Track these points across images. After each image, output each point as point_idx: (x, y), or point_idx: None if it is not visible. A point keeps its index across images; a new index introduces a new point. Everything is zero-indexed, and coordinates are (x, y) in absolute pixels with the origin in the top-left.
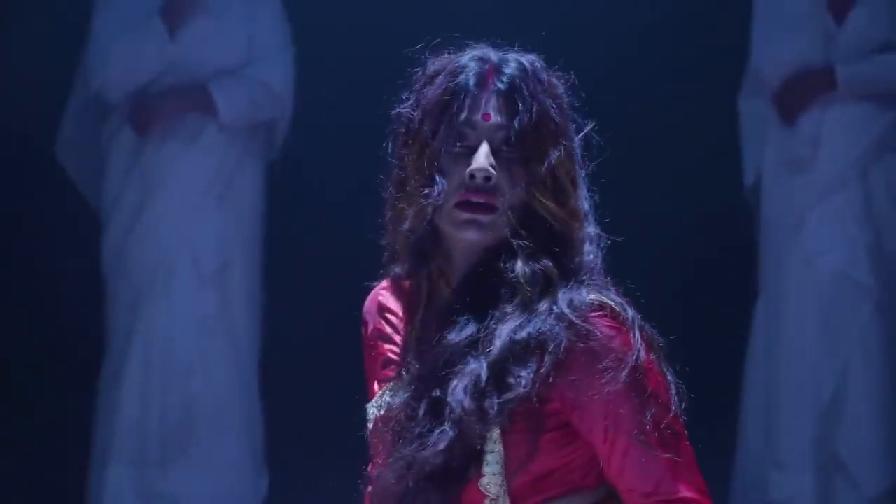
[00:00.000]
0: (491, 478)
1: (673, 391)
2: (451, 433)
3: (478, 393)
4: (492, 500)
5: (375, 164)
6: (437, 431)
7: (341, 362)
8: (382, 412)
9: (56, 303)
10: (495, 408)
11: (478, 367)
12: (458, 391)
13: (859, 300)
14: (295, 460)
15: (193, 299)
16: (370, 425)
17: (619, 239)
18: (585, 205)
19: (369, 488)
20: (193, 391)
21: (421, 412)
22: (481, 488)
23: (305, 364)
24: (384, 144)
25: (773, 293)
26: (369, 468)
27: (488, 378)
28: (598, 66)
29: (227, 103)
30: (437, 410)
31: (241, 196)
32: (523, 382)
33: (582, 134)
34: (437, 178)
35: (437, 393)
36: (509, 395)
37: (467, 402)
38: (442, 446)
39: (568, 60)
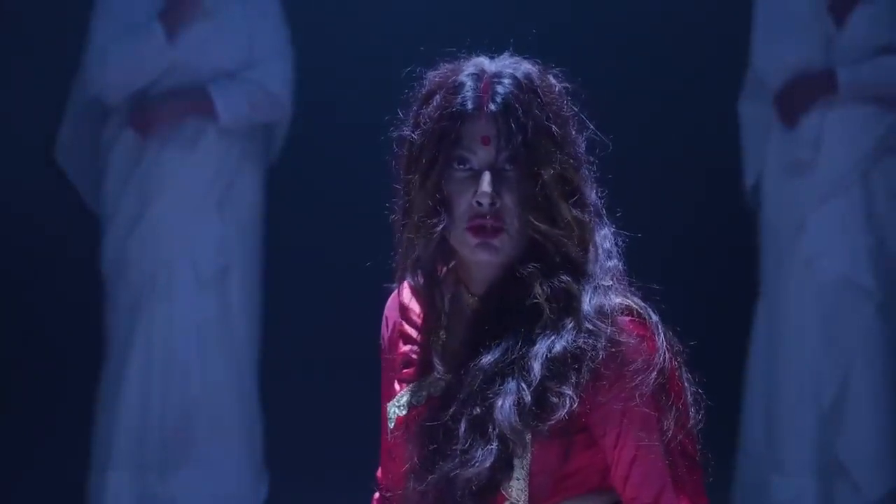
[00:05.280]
0: (515, 482)
1: (690, 402)
2: (496, 450)
3: (523, 412)
4: (512, 502)
5: (374, 168)
6: (481, 449)
7: (340, 366)
8: (404, 413)
9: (56, 306)
10: (542, 427)
11: (517, 387)
12: (504, 409)
13: (860, 303)
14: (294, 463)
15: (193, 303)
16: (391, 425)
17: (638, 235)
18: (593, 209)
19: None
20: (193, 395)
21: (462, 430)
22: (504, 491)
23: (305, 368)
24: (383, 148)
25: (773, 296)
26: (379, 473)
27: (532, 399)
28: (599, 69)
29: (226, 106)
30: (479, 428)
31: (240, 200)
32: (567, 401)
33: (586, 135)
34: (442, 209)
35: (477, 411)
36: (557, 415)
37: (514, 419)
38: (488, 463)
39: (568, 64)
